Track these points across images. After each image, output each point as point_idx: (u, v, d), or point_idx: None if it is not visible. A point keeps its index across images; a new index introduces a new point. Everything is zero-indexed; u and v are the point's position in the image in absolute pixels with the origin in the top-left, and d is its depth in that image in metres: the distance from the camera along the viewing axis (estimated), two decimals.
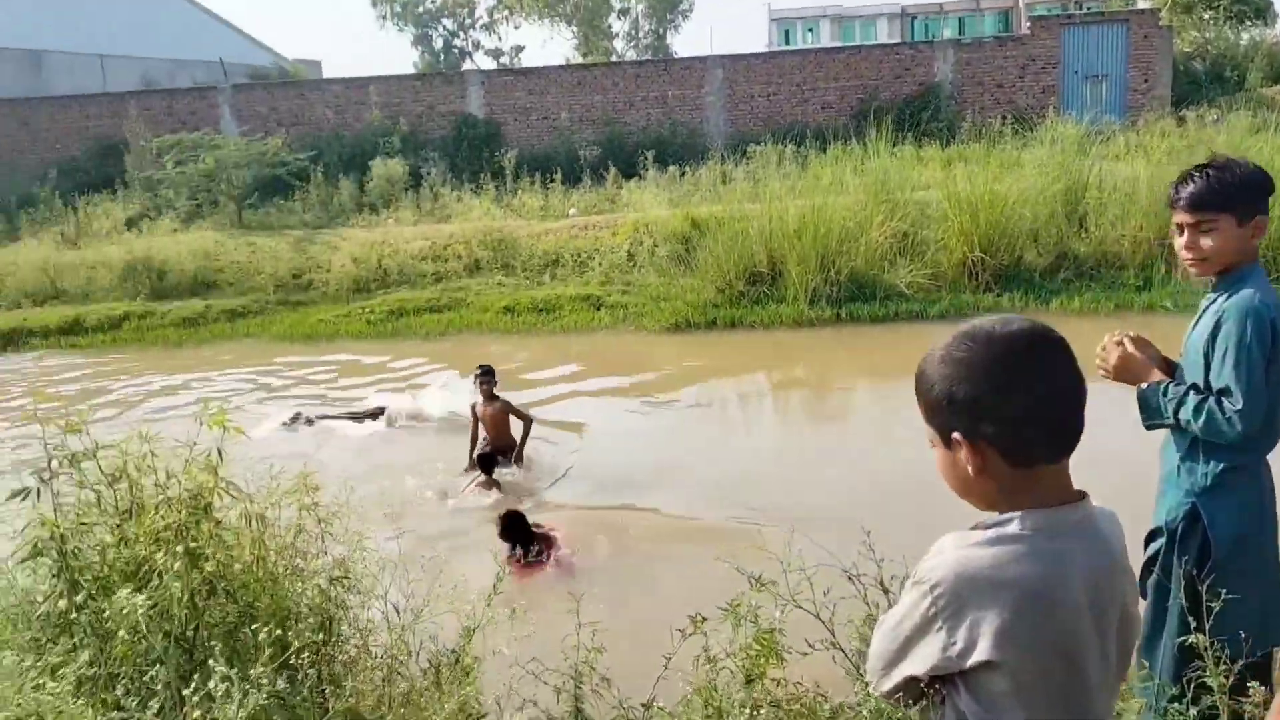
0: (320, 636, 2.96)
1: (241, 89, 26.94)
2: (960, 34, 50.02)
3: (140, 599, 2.23)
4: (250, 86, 27.67)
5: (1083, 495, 1.69)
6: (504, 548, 6.72)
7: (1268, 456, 3.34)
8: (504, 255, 17.48)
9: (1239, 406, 3.06)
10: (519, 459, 8.90)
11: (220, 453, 2.86)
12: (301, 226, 20.27)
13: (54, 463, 2.56)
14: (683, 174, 20.86)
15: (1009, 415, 1.61)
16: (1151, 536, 3.53)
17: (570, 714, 3.75)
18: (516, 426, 9.02)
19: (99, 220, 20.70)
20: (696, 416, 10.65)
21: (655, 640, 5.21)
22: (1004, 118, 22.29)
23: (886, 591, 3.34)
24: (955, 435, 1.66)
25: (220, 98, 26.18)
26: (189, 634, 2.52)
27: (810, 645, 3.31)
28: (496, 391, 9.10)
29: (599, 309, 15.34)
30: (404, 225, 19.35)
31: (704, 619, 3.50)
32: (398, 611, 3.48)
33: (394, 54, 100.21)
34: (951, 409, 1.66)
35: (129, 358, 14.94)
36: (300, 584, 3.38)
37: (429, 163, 22.77)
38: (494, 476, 8.33)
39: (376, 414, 10.40)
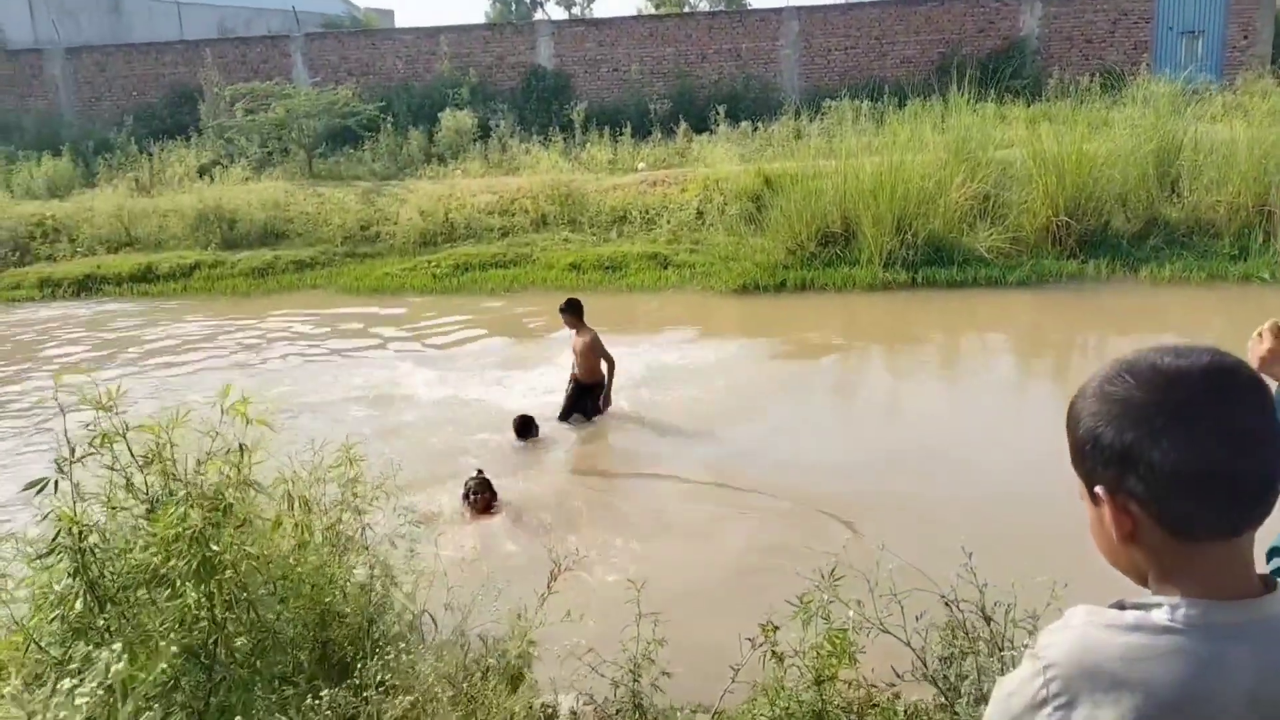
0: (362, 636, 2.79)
1: (314, 38, 26.90)
2: None
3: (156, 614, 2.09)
4: (322, 35, 27.62)
5: (1271, 586, 1.30)
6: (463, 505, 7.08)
7: None
8: (571, 210, 17.23)
9: None
10: (606, 400, 8.92)
11: (242, 449, 2.67)
12: (370, 177, 20.23)
13: (77, 448, 2.41)
14: (755, 129, 20.36)
15: (1168, 471, 1.25)
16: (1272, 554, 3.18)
17: (630, 710, 3.55)
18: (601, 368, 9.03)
19: (172, 168, 20.86)
20: (760, 385, 10.35)
21: (718, 625, 5.01)
22: (1092, 75, 21.37)
23: (988, 621, 3.04)
24: (1098, 490, 1.32)
25: (293, 46, 26.17)
26: (209, 647, 2.36)
27: (899, 674, 3.05)
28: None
29: (666, 268, 15.05)
30: (471, 178, 19.19)
31: (775, 628, 3.25)
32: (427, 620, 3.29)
33: (467, 4, 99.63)
34: (1097, 456, 1.31)
35: (194, 306, 15.07)
36: (342, 575, 3.22)
37: (498, 115, 22.55)
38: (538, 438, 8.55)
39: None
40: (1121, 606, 1.31)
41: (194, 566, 2.27)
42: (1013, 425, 8.67)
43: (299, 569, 2.87)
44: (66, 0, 33.44)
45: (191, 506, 2.32)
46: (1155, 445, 1.25)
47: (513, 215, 17.42)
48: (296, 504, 3.07)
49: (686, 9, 45.21)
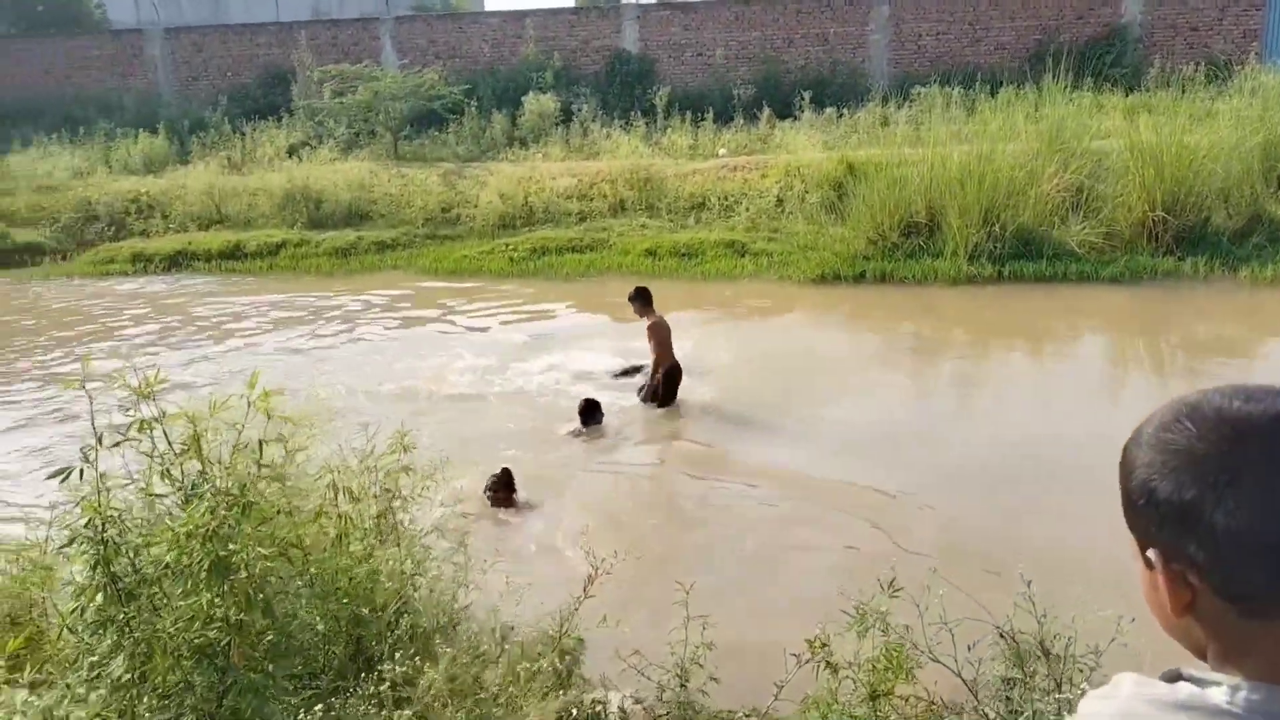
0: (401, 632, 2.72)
1: (403, 21, 27.18)
2: None
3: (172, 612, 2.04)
4: (411, 19, 27.90)
5: None
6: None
7: None
8: (649, 196, 17.12)
9: None
10: (646, 394, 9.01)
11: (261, 446, 2.61)
12: (453, 159, 20.38)
13: (108, 436, 2.38)
14: (840, 116, 19.97)
15: (1232, 536, 1.06)
16: None
17: (677, 714, 3.44)
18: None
19: (263, 147, 21.31)
20: (832, 380, 10.12)
21: (768, 628, 4.87)
22: (1197, 64, 20.46)
23: (1047, 655, 2.84)
24: (1150, 554, 1.14)
25: (382, 29, 26.48)
26: (222, 648, 2.31)
27: (946, 705, 2.88)
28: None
29: (743, 256, 14.85)
30: (552, 161, 19.19)
31: (824, 643, 3.10)
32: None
33: None
34: (1151, 514, 1.13)
35: (275, 284, 15.35)
36: (381, 569, 3.16)
37: (580, 98, 22.52)
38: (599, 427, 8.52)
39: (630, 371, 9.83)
40: (1176, 677, 1.13)
41: (206, 566, 2.22)
42: (1094, 437, 8.28)
43: (339, 561, 2.82)
44: None
45: (212, 503, 2.27)
46: (1218, 505, 1.06)
47: (591, 200, 17.37)
48: (340, 494, 3.02)
49: None
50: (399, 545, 3.13)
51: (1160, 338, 11.34)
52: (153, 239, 18.15)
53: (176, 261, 17.01)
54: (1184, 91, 17.42)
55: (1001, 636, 2.82)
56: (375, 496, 3.23)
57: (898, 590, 3.40)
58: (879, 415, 8.81)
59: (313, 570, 2.72)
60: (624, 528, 6.54)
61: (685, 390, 9.18)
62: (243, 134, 22.20)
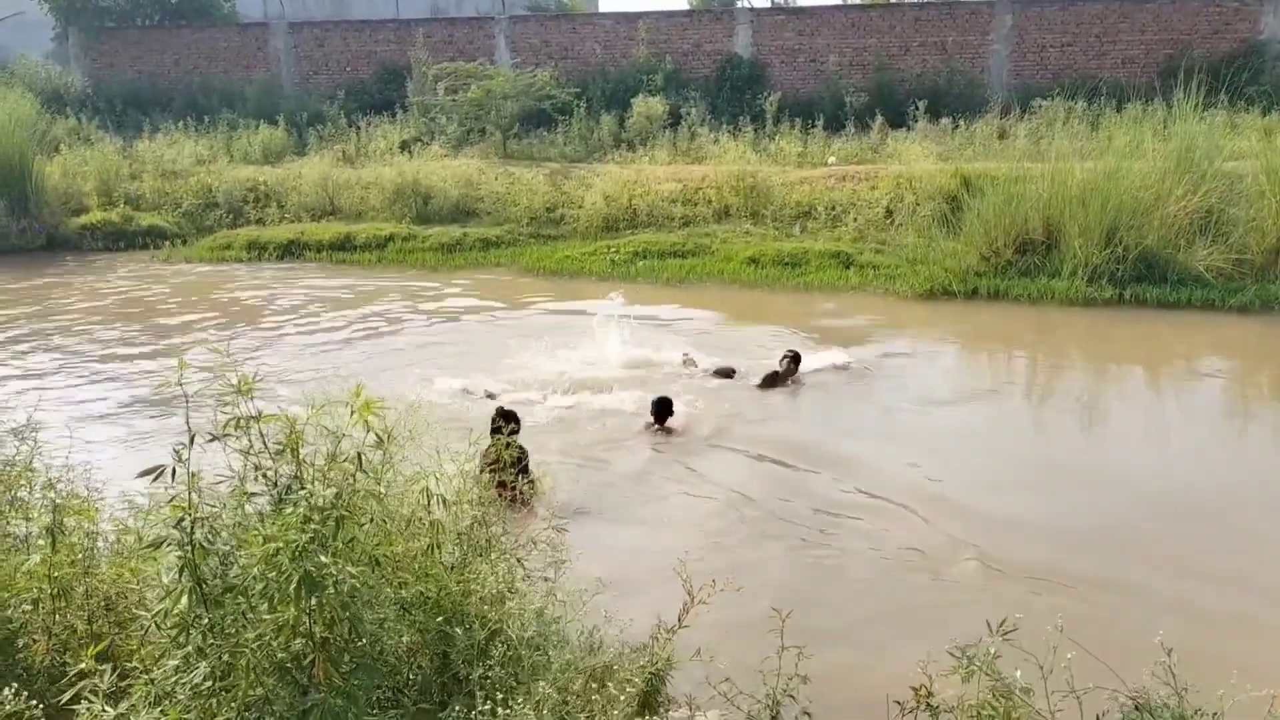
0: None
1: (517, 21, 27.48)
2: None
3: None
4: (525, 19, 28.20)
5: None
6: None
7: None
8: (754, 203, 16.90)
9: None
10: None
11: (361, 458, 2.54)
12: (560, 159, 20.48)
13: (201, 434, 2.34)
14: (956, 127, 19.43)
15: None
16: None
17: None
18: None
19: (376, 142, 21.75)
20: (940, 401, 9.78)
21: (869, 665, 4.66)
22: None
23: None
24: None
25: (496, 29, 26.81)
26: (305, 666, 2.24)
27: None
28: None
29: (848, 267, 14.53)
30: (658, 165, 19.12)
31: (930, 693, 2.91)
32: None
33: None
34: None
35: (385, 276, 15.59)
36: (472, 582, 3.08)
37: (690, 102, 22.40)
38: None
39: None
40: None
41: (296, 581, 2.16)
42: (1225, 487, 7.82)
43: (430, 572, 2.75)
44: None
45: (306, 515, 2.21)
46: None
47: (695, 205, 17.24)
48: (434, 502, 2.95)
49: (893, 0, 43.96)
50: (491, 560, 3.04)
51: None
52: (268, 227, 18.66)
53: (290, 250, 17.44)
54: None
55: (1137, 709, 2.56)
56: (470, 504, 3.15)
57: (1009, 632, 3.19)
58: (993, 443, 8.47)
59: (402, 581, 2.66)
60: (724, 549, 6.37)
61: (789, 399, 9.00)
62: (358, 128, 22.71)
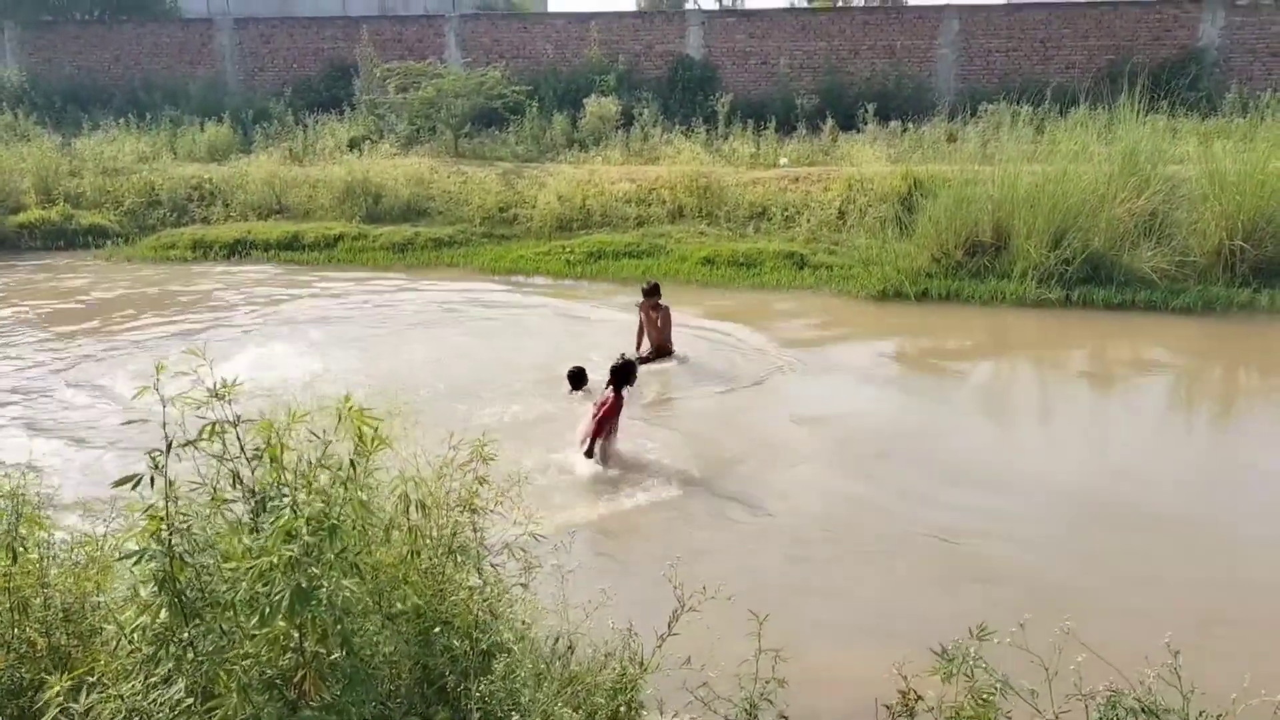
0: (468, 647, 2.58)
1: (467, 19, 27.26)
2: None
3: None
4: (475, 17, 27.99)
5: None
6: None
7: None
8: (709, 203, 16.94)
9: None
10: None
11: (354, 465, 2.48)
12: (512, 159, 20.36)
13: (179, 439, 2.26)
14: (905, 130, 19.65)
15: None
16: None
17: None
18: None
19: (324, 140, 21.44)
20: (901, 400, 9.90)
21: (845, 663, 4.68)
22: (1276, 90, 19.88)
23: None
24: None
25: (447, 27, 26.57)
26: (295, 682, 2.18)
27: None
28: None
29: (802, 268, 14.63)
30: (611, 165, 19.09)
31: (918, 696, 2.92)
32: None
33: None
34: None
35: (335, 275, 15.36)
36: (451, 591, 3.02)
37: (642, 103, 22.40)
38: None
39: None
40: None
41: (288, 596, 2.09)
42: (1183, 484, 8.00)
43: (408, 579, 2.69)
44: None
45: (294, 526, 2.14)
46: None
47: (650, 205, 17.25)
48: (413, 507, 2.89)
49: (840, 4, 44.36)
50: (468, 566, 2.99)
51: (1232, 374, 10.97)
52: (213, 226, 18.31)
53: (236, 250, 17.12)
54: (1263, 118, 16.90)
55: (1143, 711, 2.56)
56: (448, 509, 3.09)
57: (988, 634, 3.21)
58: (965, 442, 8.56)
59: (383, 590, 2.59)
60: (708, 556, 6.36)
61: (744, 413, 9.03)
62: (305, 126, 22.38)
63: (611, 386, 7.96)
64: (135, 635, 2.21)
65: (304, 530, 2.16)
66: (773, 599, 5.20)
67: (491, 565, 3.26)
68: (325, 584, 2.17)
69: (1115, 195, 13.48)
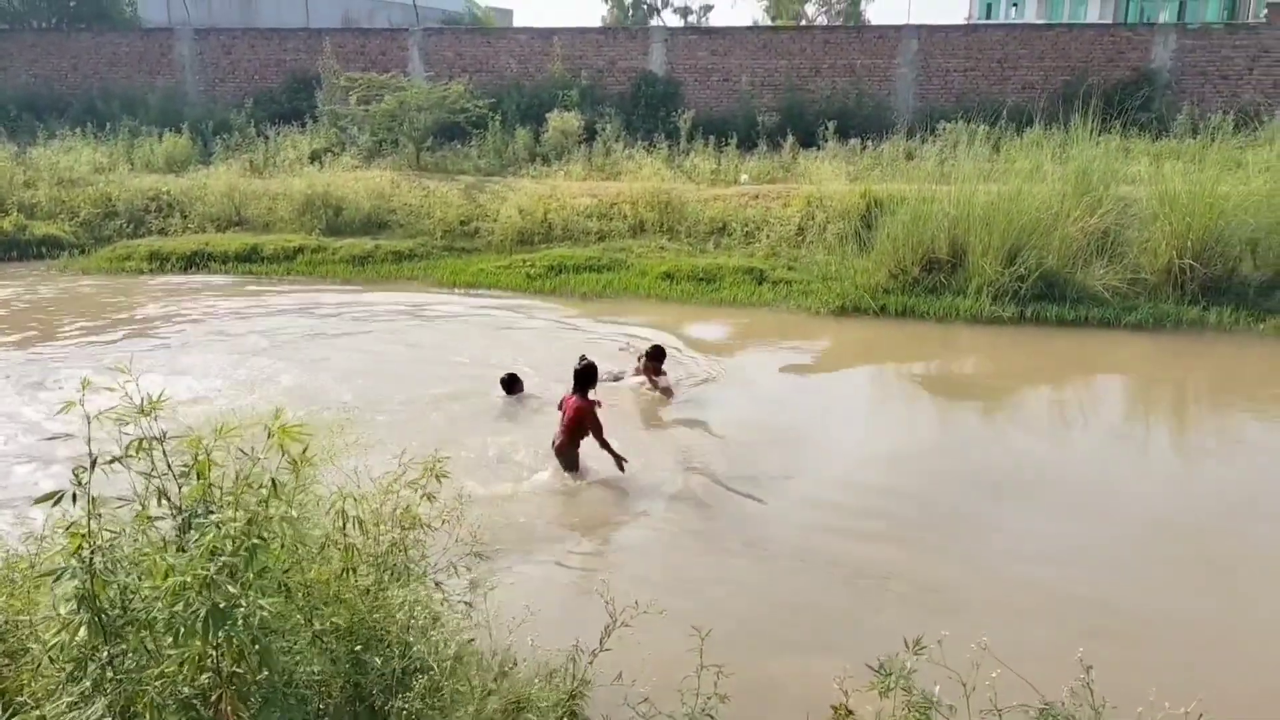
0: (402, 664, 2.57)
1: (431, 33, 27.23)
2: (1180, 18, 46.28)
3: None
4: (439, 31, 27.96)
5: None
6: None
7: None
8: (670, 219, 17.02)
9: None
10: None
11: (275, 484, 2.47)
12: (474, 173, 20.34)
13: (104, 456, 2.25)
14: (864, 148, 19.87)
15: None
16: None
17: None
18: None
19: (285, 151, 21.29)
20: (851, 414, 9.99)
21: (790, 680, 4.71)
22: (1225, 112, 20.33)
23: None
24: None
25: (410, 40, 26.53)
26: (213, 703, 2.16)
27: None
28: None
29: (762, 283, 14.72)
30: (573, 180, 19.13)
31: (848, 710, 2.95)
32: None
33: (585, 6, 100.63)
34: None
35: (292, 288, 15.26)
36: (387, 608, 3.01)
37: (605, 118, 22.48)
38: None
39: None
40: None
41: (203, 615, 2.08)
42: (1134, 491, 8.13)
43: (341, 597, 2.67)
44: None
45: (216, 544, 2.12)
46: None
47: (611, 220, 17.29)
48: (349, 525, 2.87)
49: (803, 23, 44.84)
50: (409, 584, 2.98)
51: (1180, 389, 11.17)
52: (171, 238, 18.10)
53: (193, 261, 16.93)
54: (1213, 139, 17.29)
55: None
56: (389, 527, 3.08)
57: (922, 649, 3.25)
58: (910, 457, 8.64)
59: (314, 607, 2.58)
60: (648, 562, 6.38)
61: (712, 414, 9.09)
62: (266, 138, 22.22)
63: (576, 391, 7.90)
64: (55, 654, 2.18)
65: (226, 548, 2.15)
66: (711, 612, 5.23)
67: (435, 583, 3.25)
68: (244, 603, 2.15)
69: (1068, 214, 13.71)
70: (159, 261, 16.95)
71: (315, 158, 21.08)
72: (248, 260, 16.96)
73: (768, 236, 16.22)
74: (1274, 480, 8.25)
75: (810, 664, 4.72)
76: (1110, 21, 42.16)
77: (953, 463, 8.54)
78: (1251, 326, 12.48)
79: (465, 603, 3.29)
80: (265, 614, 2.18)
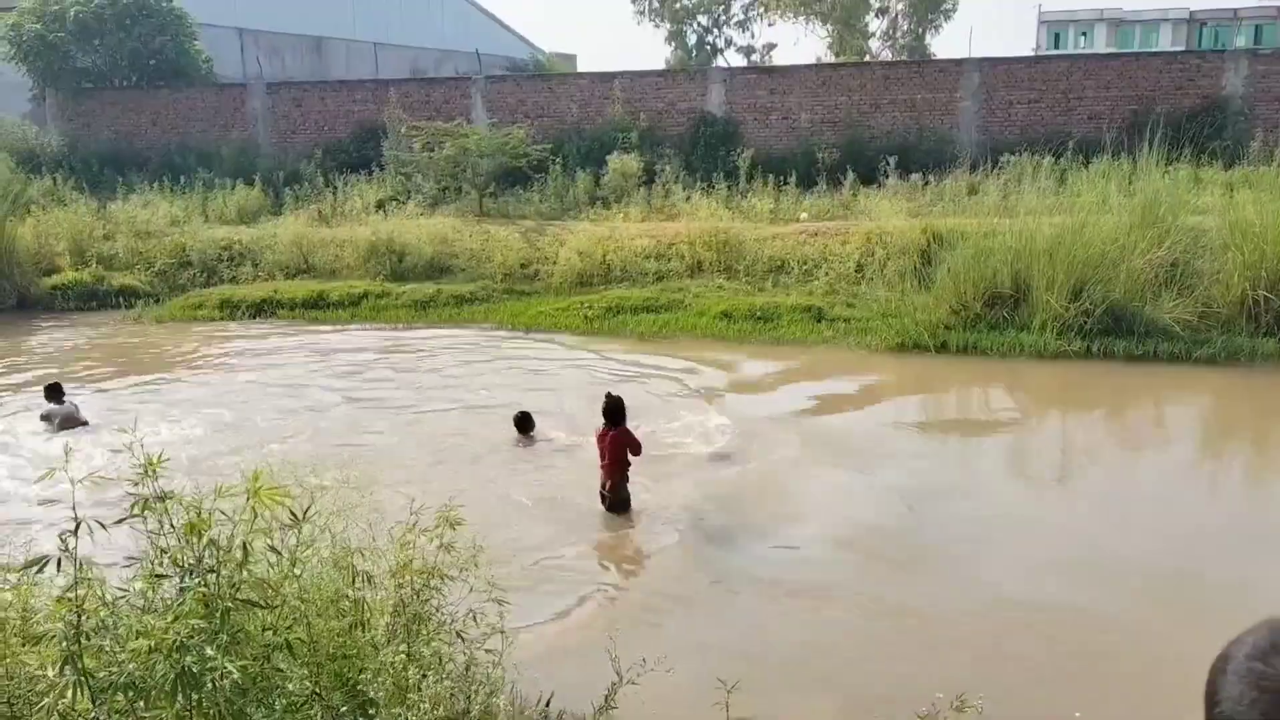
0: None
1: (494, 80, 27.77)
2: (1256, 42, 45.20)
3: None
4: (501, 78, 28.52)
5: None
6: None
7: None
8: (728, 258, 17.01)
9: None
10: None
11: (246, 548, 2.46)
12: (536, 217, 20.59)
13: (87, 522, 2.27)
14: (926, 183, 19.66)
15: None
16: None
17: None
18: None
19: (353, 200, 21.81)
20: (908, 455, 9.78)
21: None
22: None
23: None
24: None
25: (473, 88, 27.07)
26: None
27: None
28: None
29: (820, 321, 14.59)
30: (632, 221, 19.24)
31: None
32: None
33: (649, 49, 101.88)
34: None
35: (357, 332, 15.55)
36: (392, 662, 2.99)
37: (664, 159, 22.61)
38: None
39: None
40: None
41: (171, 679, 2.08)
42: (1196, 555, 7.82)
43: (347, 654, 2.66)
44: (276, 39, 35.88)
45: (188, 609, 2.12)
46: None
47: (669, 260, 17.34)
48: (357, 579, 2.87)
49: (868, 59, 44.75)
50: (424, 637, 2.96)
51: (1260, 428, 10.75)
52: (241, 285, 18.61)
53: (262, 308, 17.37)
54: None
55: None
56: (399, 581, 3.07)
57: (968, 704, 3.13)
58: (962, 503, 8.43)
59: (320, 662, 2.57)
60: (660, 612, 6.30)
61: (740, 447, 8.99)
62: (335, 187, 22.77)
63: (609, 426, 7.79)
64: (45, 716, 2.20)
65: (199, 610, 2.15)
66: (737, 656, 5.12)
67: (458, 634, 3.23)
68: (217, 666, 2.14)
69: (1135, 245, 13.35)
70: (229, 309, 17.40)
71: (381, 206, 21.55)
72: (314, 306, 17.34)
73: (826, 274, 16.10)
74: None
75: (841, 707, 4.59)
76: (1183, 49, 41.36)
77: (1027, 511, 8.31)
78: None
79: (488, 650, 3.25)
80: (237, 677, 2.18)
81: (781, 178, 20.56)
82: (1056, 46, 53.83)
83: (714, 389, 11.69)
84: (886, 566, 6.96)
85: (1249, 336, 12.48)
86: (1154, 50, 25.34)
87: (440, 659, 2.96)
